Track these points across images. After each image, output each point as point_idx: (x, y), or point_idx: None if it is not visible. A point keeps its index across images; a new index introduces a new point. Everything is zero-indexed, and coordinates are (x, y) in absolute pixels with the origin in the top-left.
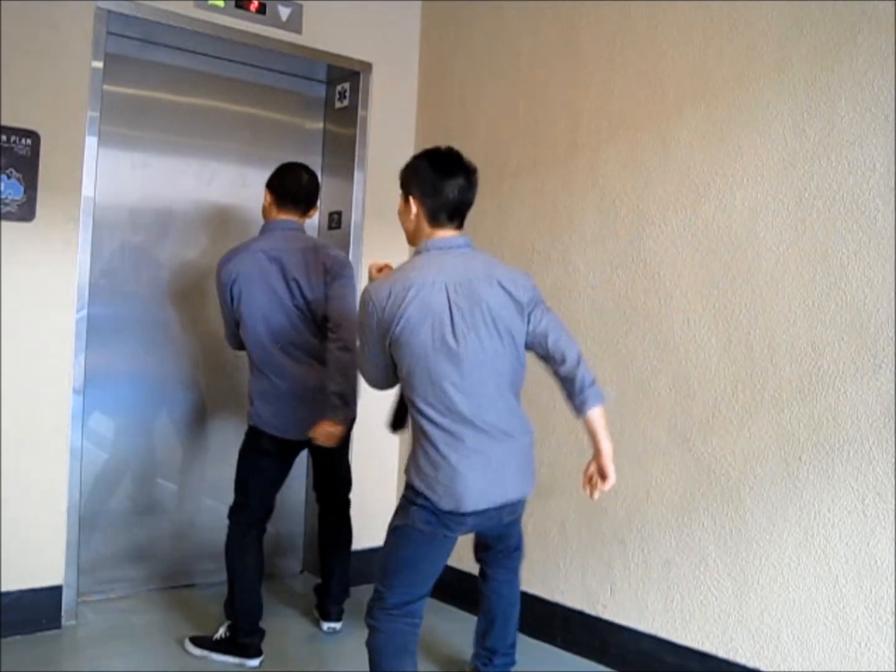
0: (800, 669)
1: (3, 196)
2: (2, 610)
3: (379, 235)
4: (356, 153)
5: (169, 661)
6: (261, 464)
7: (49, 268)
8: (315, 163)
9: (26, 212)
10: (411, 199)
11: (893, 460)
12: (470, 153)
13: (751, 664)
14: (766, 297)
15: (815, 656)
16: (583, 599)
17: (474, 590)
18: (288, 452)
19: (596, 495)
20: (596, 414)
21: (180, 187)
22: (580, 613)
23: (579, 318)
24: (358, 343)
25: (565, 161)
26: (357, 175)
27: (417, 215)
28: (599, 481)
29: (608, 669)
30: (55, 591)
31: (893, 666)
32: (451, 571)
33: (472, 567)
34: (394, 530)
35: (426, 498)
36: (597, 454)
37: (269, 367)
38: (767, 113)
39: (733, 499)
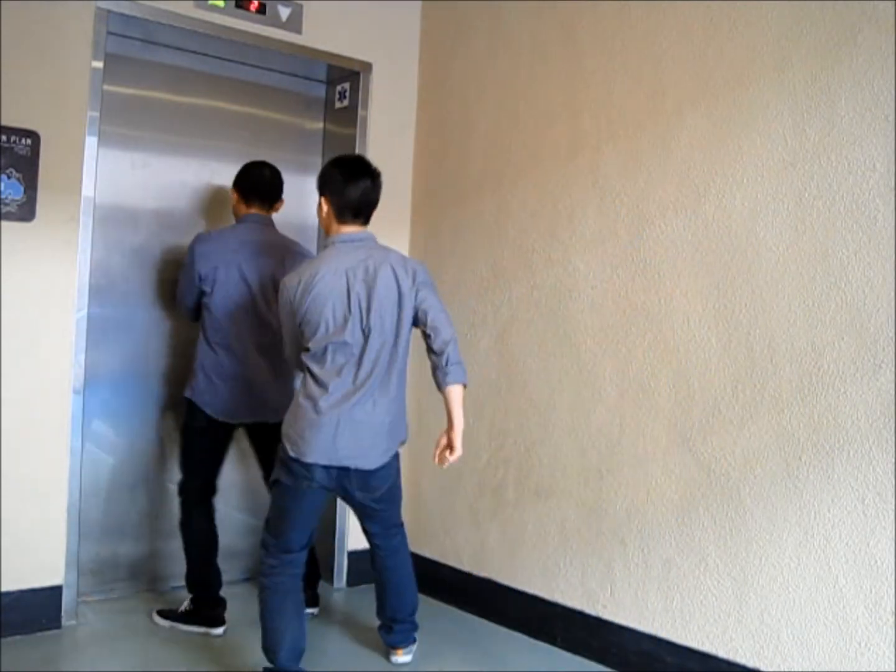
0: (800, 669)
1: (3, 196)
2: (2, 610)
3: (378, 235)
4: (356, 153)
5: (169, 662)
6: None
7: (49, 268)
8: (315, 163)
9: (26, 212)
10: (323, 200)
11: (893, 460)
12: (470, 153)
13: (751, 664)
14: (766, 297)
15: (815, 656)
16: (583, 599)
17: (474, 590)
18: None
19: (444, 465)
20: (456, 390)
21: (180, 187)
22: (580, 613)
23: (579, 318)
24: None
25: (565, 161)
26: None
27: (328, 213)
28: (448, 452)
29: (608, 669)
30: (55, 591)
31: (893, 666)
32: (451, 571)
33: (472, 567)
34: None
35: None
36: (449, 427)
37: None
38: (767, 113)
39: (733, 499)
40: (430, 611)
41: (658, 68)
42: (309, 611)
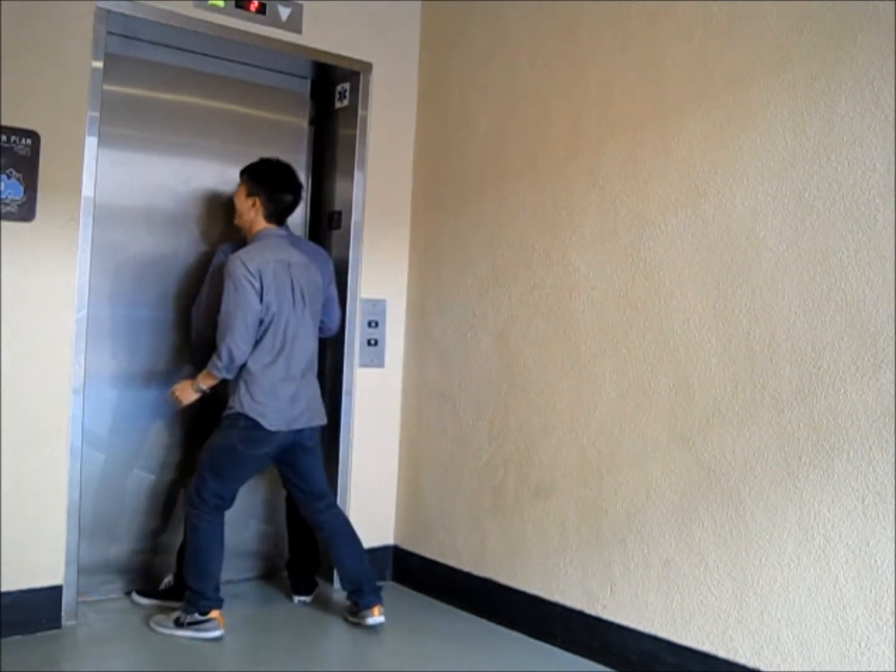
0: (800, 669)
1: (3, 196)
2: (2, 610)
3: (379, 235)
4: (356, 153)
5: (169, 661)
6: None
7: (49, 268)
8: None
9: (26, 212)
10: (257, 200)
11: (893, 460)
12: (470, 153)
13: (751, 664)
14: (766, 297)
15: (815, 656)
16: (583, 599)
17: (474, 590)
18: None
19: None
20: None
21: (181, 187)
22: (580, 613)
23: (579, 318)
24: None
25: (565, 161)
26: (357, 175)
27: (257, 212)
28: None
29: (608, 669)
30: (55, 591)
31: (893, 666)
32: (451, 571)
33: (472, 567)
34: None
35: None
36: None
37: None
38: (767, 113)
39: (733, 499)
40: (429, 610)
41: (658, 68)
42: (302, 598)
